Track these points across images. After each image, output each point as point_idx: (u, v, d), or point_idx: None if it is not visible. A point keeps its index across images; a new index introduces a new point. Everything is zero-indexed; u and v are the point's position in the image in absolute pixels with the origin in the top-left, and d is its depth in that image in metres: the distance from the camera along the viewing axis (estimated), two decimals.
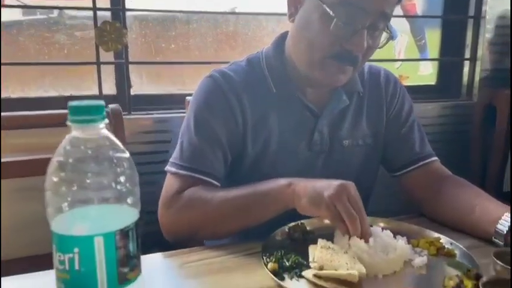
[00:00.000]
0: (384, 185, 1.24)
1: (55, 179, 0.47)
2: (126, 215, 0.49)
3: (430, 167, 1.12)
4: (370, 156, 1.12)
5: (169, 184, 0.97)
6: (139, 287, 0.51)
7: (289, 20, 1.00)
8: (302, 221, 0.96)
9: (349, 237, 0.82)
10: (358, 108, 1.10)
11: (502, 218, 0.90)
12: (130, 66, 1.58)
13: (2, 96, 1.44)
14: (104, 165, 0.48)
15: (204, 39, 1.72)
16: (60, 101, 1.52)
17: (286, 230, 0.95)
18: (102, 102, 0.50)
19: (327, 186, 0.83)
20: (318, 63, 0.95)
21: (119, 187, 0.48)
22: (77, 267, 0.46)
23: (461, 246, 0.88)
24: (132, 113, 1.57)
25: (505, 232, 0.88)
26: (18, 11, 1.54)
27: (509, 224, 0.88)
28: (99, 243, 0.46)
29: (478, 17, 1.97)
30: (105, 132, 0.50)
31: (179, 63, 1.71)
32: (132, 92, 1.60)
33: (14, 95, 1.55)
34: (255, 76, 1.03)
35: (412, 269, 0.82)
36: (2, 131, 1.22)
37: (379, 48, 0.97)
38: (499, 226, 0.89)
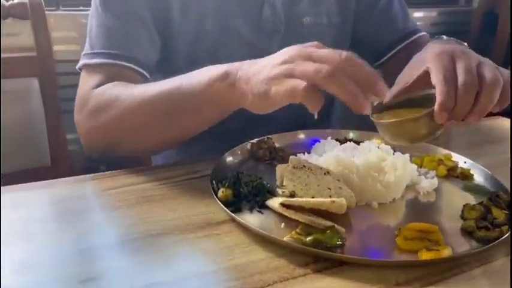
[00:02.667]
0: None
1: None
2: None
3: (421, 44, 0.85)
4: (337, 39, 0.88)
5: (83, 81, 0.74)
6: None
7: None
8: (269, 136, 0.73)
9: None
10: None
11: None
12: None
13: None
14: None
15: None
16: None
17: (248, 146, 0.71)
18: None
19: (275, 55, 0.56)
20: None
21: None
22: None
23: (479, 165, 0.66)
24: (62, 8, 1.29)
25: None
26: None
27: None
28: None
29: None
30: None
31: None
32: None
33: None
34: None
35: (418, 196, 0.61)
36: None
37: None
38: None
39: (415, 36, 0.90)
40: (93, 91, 0.70)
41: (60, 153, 1.23)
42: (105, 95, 0.68)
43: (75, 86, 1.09)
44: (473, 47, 1.61)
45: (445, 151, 0.71)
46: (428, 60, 0.58)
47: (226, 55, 0.79)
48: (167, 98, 0.64)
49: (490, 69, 0.55)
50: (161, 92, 0.65)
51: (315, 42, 0.54)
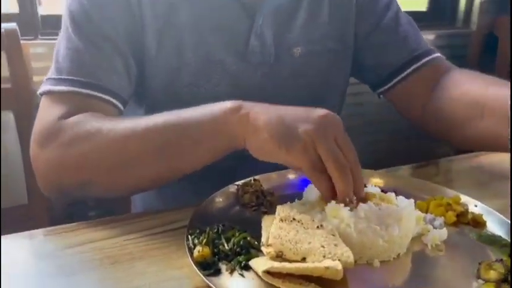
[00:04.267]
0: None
1: None
2: None
3: (435, 66, 0.80)
4: (334, 66, 0.82)
5: (46, 110, 0.65)
6: None
7: None
8: (256, 177, 0.65)
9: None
10: (315, 2, 0.78)
11: None
12: None
13: None
14: None
15: None
16: None
17: (233, 190, 0.63)
18: None
19: (304, 116, 0.54)
20: None
21: None
22: None
23: (492, 209, 0.59)
24: (41, 37, 1.25)
25: None
26: None
27: None
28: None
29: None
30: None
31: None
32: (41, 10, 1.30)
33: None
34: None
35: (425, 250, 0.53)
36: None
37: None
38: None
39: (427, 58, 0.80)
40: (62, 122, 0.61)
41: (38, 190, 1.15)
42: (83, 127, 0.60)
43: None
44: (474, 69, 1.55)
45: (453, 192, 0.63)
46: None
47: (207, 88, 0.73)
48: (164, 131, 0.58)
49: None
50: (156, 124, 0.58)
51: (334, 123, 0.54)
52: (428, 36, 1.72)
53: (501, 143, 0.64)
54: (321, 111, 0.54)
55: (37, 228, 0.57)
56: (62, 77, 0.65)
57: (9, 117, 1.07)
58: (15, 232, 0.56)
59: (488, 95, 0.70)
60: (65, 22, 0.68)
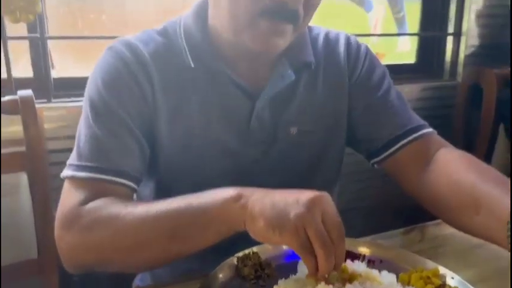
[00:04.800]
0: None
1: None
2: None
3: (425, 142, 0.86)
4: (329, 141, 0.89)
5: (68, 195, 0.72)
6: None
7: None
8: (254, 249, 0.72)
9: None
10: (310, 85, 0.86)
11: None
12: (51, 43, 1.36)
13: None
14: None
15: (146, 8, 1.47)
16: None
17: (235, 261, 0.70)
18: None
19: (294, 201, 0.60)
20: (246, 24, 0.75)
21: None
22: None
23: (466, 283, 0.65)
24: (54, 100, 1.34)
25: None
26: None
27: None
28: None
29: None
30: None
31: (112, 38, 1.42)
32: (54, 74, 1.38)
33: None
34: (169, 47, 0.81)
35: None
36: None
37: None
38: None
39: (419, 133, 0.85)
40: (83, 208, 0.68)
41: (48, 245, 1.22)
42: (102, 213, 0.67)
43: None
44: (460, 120, 1.66)
45: (433, 264, 0.70)
46: None
47: (211, 166, 0.81)
48: (174, 216, 0.65)
49: None
50: (168, 210, 0.65)
51: (324, 204, 0.60)
52: (417, 88, 1.86)
53: (498, 242, 0.68)
54: (309, 194, 0.60)
55: (47, 281, 0.63)
56: (82, 163, 0.72)
57: (23, 178, 1.14)
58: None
59: (483, 192, 0.73)
60: (85, 110, 0.76)
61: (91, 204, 0.69)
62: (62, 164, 1.30)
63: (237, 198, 0.63)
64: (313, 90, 0.87)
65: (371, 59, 0.91)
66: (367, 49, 0.92)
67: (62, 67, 1.42)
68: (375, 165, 0.93)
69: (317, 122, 0.87)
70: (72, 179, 0.73)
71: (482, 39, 1.94)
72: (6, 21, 1.22)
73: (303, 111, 0.86)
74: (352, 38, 0.92)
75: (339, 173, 0.95)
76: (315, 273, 0.59)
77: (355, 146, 0.93)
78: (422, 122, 0.89)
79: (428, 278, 0.66)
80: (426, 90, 1.86)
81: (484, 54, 1.95)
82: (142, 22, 1.49)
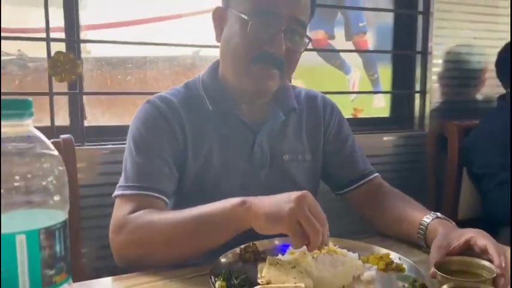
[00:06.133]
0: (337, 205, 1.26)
1: None
2: (53, 214, 0.47)
3: (373, 183, 1.18)
4: (311, 172, 1.16)
5: (118, 208, 0.95)
6: None
7: (216, 40, 1.07)
8: (254, 242, 0.95)
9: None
10: (297, 125, 1.15)
11: (420, 223, 0.99)
12: (85, 98, 1.58)
13: None
14: (31, 164, 0.46)
15: (162, 71, 1.72)
16: None
17: (238, 251, 0.93)
18: (29, 99, 0.49)
19: (286, 199, 0.80)
20: (243, 69, 1.01)
21: (46, 185, 0.46)
22: None
23: (409, 261, 0.89)
24: (86, 144, 1.54)
25: (423, 236, 0.98)
26: None
27: (425, 228, 0.98)
28: (21, 242, 0.43)
29: (425, 52, 2.08)
30: (34, 130, 0.49)
31: (135, 93, 1.70)
32: (86, 123, 1.59)
33: None
34: (192, 97, 1.08)
35: (361, 283, 0.82)
36: None
37: (301, 52, 1.06)
38: (419, 231, 0.98)
39: (371, 177, 1.18)
40: (129, 216, 0.91)
41: (75, 266, 1.41)
42: (143, 219, 0.89)
43: (95, 207, 1.33)
44: (430, 164, 1.97)
45: (386, 250, 0.94)
46: (470, 234, 0.85)
47: (224, 182, 1.04)
48: (194, 221, 0.87)
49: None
50: (192, 215, 0.87)
51: (309, 199, 0.80)
52: (392, 138, 2.02)
53: (414, 240, 1.01)
54: (297, 193, 0.80)
55: None
56: (129, 184, 0.97)
57: None
58: None
59: (404, 213, 1.06)
60: (129, 145, 1.01)
61: (135, 214, 0.92)
62: (90, 197, 1.54)
63: (242, 203, 0.85)
64: (299, 130, 1.15)
65: (340, 117, 1.21)
66: (337, 107, 1.23)
67: (92, 117, 1.63)
68: (336, 195, 1.21)
69: (302, 154, 1.14)
70: (121, 196, 0.96)
71: (443, 96, 2.10)
72: (53, 81, 1.46)
73: (292, 144, 1.12)
74: (326, 98, 1.22)
75: (317, 191, 1.20)
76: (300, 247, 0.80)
77: (325, 179, 1.22)
78: (371, 167, 1.20)
79: (381, 257, 0.90)
80: (400, 139, 2.03)
81: (446, 109, 2.10)
82: (159, 81, 1.72)
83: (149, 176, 0.97)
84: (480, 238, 0.83)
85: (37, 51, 1.58)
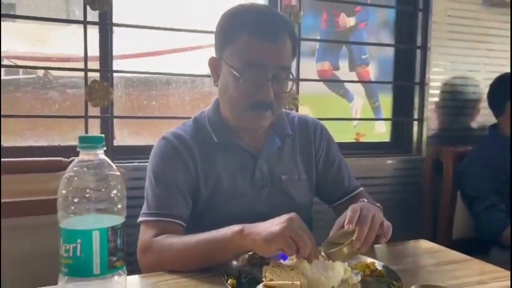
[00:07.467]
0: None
1: (64, 191, 0.64)
2: (116, 217, 0.66)
3: (356, 197, 1.33)
4: (306, 190, 1.32)
5: (143, 232, 1.13)
6: (123, 273, 0.67)
7: (215, 85, 1.23)
8: None
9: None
10: (292, 149, 1.31)
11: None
12: (115, 120, 1.78)
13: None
14: (101, 181, 0.65)
15: (182, 98, 1.92)
16: (49, 150, 1.68)
17: (246, 256, 1.10)
18: (102, 136, 0.68)
19: (277, 222, 0.96)
20: (239, 115, 1.17)
21: (112, 196, 0.65)
22: (78, 254, 0.62)
23: (390, 268, 1.05)
24: (115, 162, 1.69)
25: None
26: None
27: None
28: (96, 236, 0.62)
29: (423, 83, 2.25)
30: (103, 156, 0.68)
31: (159, 117, 1.90)
32: (115, 143, 1.78)
33: (5, 144, 1.68)
34: (200, 131, 1.23)
35: (348, 285, 0.99)
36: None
37: (287, 92, 1.21)
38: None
39: (356, 191, 1.34)
40: (153, 240, 1.08)
41: None
42: (165, 243, 1.06)
43: None
44: (427, 187, 2.15)
45: (371, 260, 1.10)
46: (350, 208, 1.02)
47: (232, 202, 1.21)
48: (202, 246, 1.03)
49: (386, 223, 1.01)
50: (200, 240, 1.03)
51: (296, 220, 0.94)
52: (392, 161, 2.18)
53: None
54: (286, 216, 0.96)
55: None
56: (152, 211, 1.14)
57: None
58: None
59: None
60: (149, 178, 1.18)
61: (158, 238, 1.09)
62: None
63: (240, 231, 1.00)
64: (294, 153, 1.31)
65: (328, 138, 1.37)
66: (325, 128, 1.38)
67: (120, 138, 1.83)
68: (333, 209, 1.37)
69: (298, 174, 1.30)
70: (145, 222, 1.14)
71: (440, 124, 2.25)
72: (89, 106, 1.66)
73: (288, 165, 1.28)
74: (315, 121, 1.38)
75: (310, 215, 1.37)
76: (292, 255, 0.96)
77: (320, 194, 1.38)
78: (356, 183, 1.36)
79: (367, 265, 1.07)
80: (399, 162, 2.19)
81: (442, 135, 2.25)
82: (180, 106, 1.92)
83: (167, 204, 1.14)
84: (350, 208, 0.99)
85: (61, 73, 1.77)
